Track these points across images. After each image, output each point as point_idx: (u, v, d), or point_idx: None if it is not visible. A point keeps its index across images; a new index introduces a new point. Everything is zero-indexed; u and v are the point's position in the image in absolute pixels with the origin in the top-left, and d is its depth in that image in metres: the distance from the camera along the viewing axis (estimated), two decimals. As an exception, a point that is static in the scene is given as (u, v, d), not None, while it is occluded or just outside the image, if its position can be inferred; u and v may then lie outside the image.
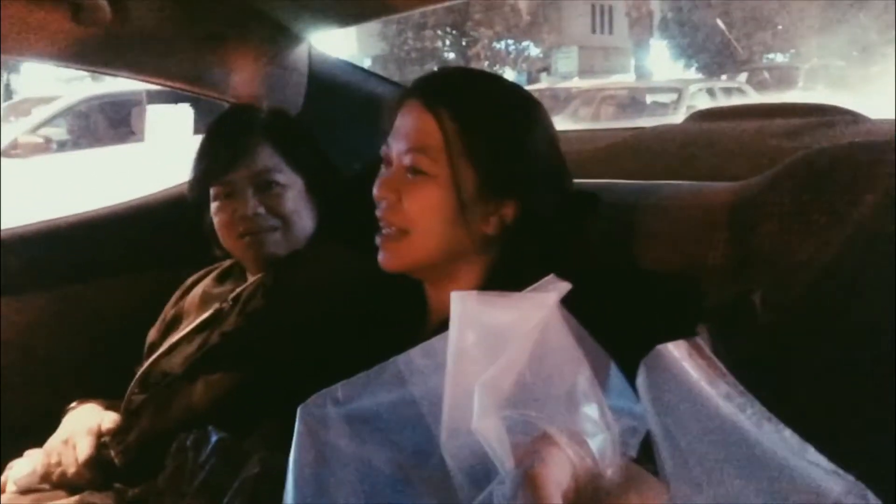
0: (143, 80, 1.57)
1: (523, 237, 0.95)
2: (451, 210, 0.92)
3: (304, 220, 1.30)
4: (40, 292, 1.57)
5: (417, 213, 0.93)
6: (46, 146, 6.99)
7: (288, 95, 1.59)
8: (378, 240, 0.97)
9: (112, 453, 1.19)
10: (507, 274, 0.93)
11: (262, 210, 1.25)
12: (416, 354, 0.54)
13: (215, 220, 1.28)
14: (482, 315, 0.49)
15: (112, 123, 7.30)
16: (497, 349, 0.47)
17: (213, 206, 1.28)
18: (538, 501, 0.37)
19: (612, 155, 1.42)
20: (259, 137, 1.28)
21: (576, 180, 1.02)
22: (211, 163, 1.29)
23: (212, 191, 1.28)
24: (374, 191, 0.97)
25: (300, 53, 1.61)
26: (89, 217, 1.65)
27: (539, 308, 0.49)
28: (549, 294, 0.50)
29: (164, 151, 6.04)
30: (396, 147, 0.95)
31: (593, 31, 25.11)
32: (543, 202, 0.95)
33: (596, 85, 13.81)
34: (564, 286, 0.52)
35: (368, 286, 1.07)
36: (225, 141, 1.29)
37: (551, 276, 0.53)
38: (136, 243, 1.66)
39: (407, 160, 0.93)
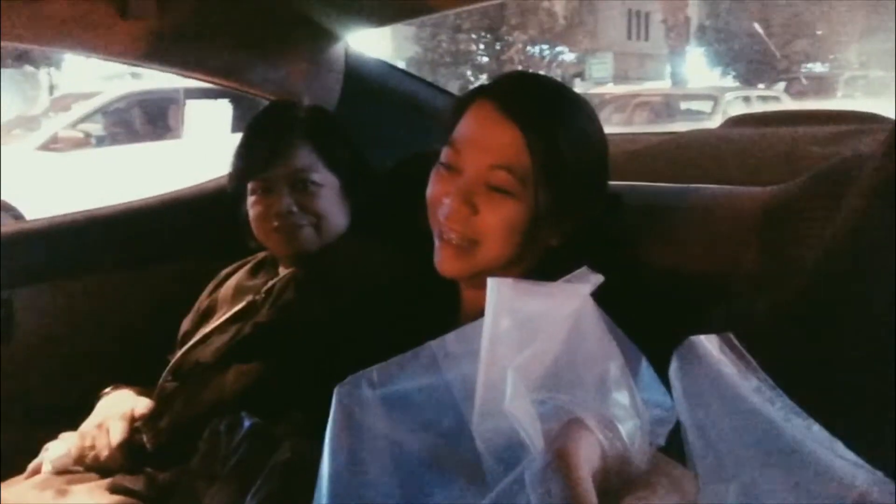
0: (183, 75, 1.60)
1: (573, 244, 0.95)
2: (526, 227, 0.91)
3: (337, 217, 1.32)
4: (76, 281, 1.61)
5: (493, 228, 0.91)
6: (86, 141, 7.13)
7: (324, 93, 1.61)
8: (438, 244, 0.96)
9: (144, 438, 1.21)
10: (547, 272, 0.94)
11: (295, 208, 1.27)
12: (450, 340, 0.55)
13: (251, 213, 1.31)
14: (517, 302, 0.50)
15: (149, 120, 7.43)
16: (531, 335, 0.48)
17: (250, 200, 1.31)
18: (569, 478, 0.37)
19: (647, 158, 1.41)
20: (298, 136, 1.30)
21: (610, 182, 1.03)
22: (250, 160, 1.32)
23: (249, 185, 1.31)
24: (437, 195, 0.95)
25: (337, 52, 1.63)
26: (125, 209, 1.69)
27: (573, 297, 0.50)
28: (583, 285, 0.51)
29: (199, 148, 6.14)
30: (475, 157, 0.92)
31: (629, 37, 24.96)
32: (598, 212, 0.97)
33: (630, 91, 13.70)
34: (597, 278, 0.52)
35: (399, 280, 1.08)
36: (264, 138, 1.32)
37: (584, 268, 0.54)
38: (170, 236, 1.69)
39: (492, 179, 0.90)
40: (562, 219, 0.93)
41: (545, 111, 0.92)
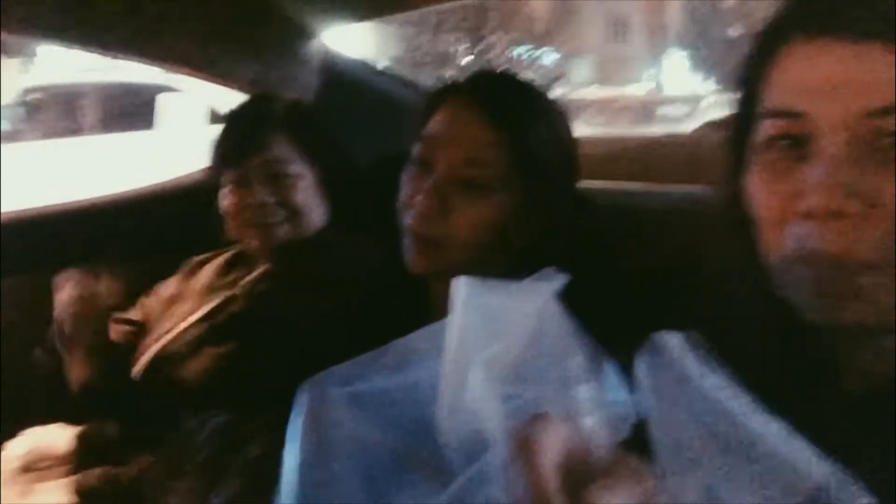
0: (155, 66, 1.58)
1: (545, 246, 0.94)
2: (497, 226, 0.91)
3: (314, 212, 1.30)
4: (50, 274, 1.59)
5: (465, 226, 0.90)
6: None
7: (299, 90, 1.60)
8: (409, 241, 0.94)
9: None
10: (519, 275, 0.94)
11: (271, 199, 1.25)
12: (416, 338, 0.55)
13: (223, 205, 1.28)
14: (482, 299, 0.50)
15: (65, 115, 7.06)
16: (496, 332, 0.48)
17: (223, 192, 1.28)
18: (531, 467, 0.38)
19: (623, 160, 1.42)
20: (274, 127, 1.28)
21: (585, 182, 1.03)
22: (224, 150, 1.30)
23: (223, 177, 1.29)
24: (412, 194, 0.94)
25: (313, 49, 1.62)
26: (95, 203, 1.67)
27: (538, 296, 0.50)
28: (548, 284, 0.51)
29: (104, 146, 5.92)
30: (449, 152, 0.91)
31: (610, 40, 25.09)
32: (567, 214, 0.96)
33: (611, 95, 13.79)
34: (562, 278, 0.52)
35: (374, 275, 1.07)
36: (240, 128, 1.30)
37: (550, 269, 0.54)
38: (140, 231, 1.67)
39: (466, 173, 0.90)
40: (531, 219, 0.93)
41: (518, 109, 0.92)
